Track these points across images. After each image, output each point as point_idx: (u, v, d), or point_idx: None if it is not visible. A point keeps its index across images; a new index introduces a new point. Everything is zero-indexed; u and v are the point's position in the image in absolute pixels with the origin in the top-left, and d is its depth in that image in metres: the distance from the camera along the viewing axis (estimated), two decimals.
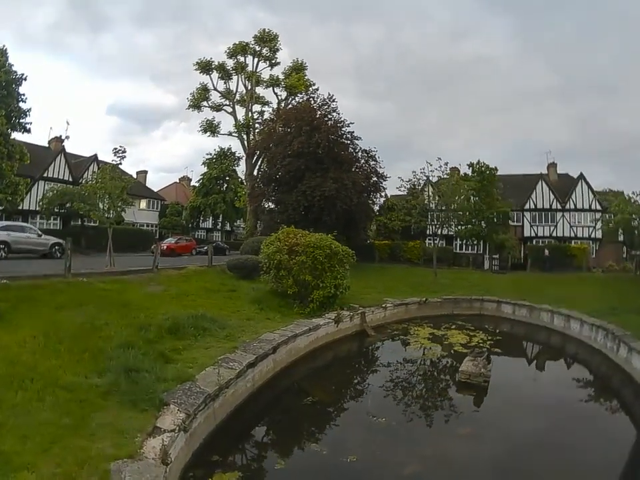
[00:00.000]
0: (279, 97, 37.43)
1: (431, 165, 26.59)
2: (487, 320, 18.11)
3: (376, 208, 34.96)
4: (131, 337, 7.97)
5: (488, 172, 32.01)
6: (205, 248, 34.10)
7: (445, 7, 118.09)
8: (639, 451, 7.35)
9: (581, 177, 39.75)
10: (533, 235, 40.43)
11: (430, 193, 26.21)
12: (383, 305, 15.55)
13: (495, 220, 32.87)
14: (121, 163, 17.39)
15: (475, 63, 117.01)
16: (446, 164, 26.21)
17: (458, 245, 40.67)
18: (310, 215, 24.81)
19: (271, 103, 38.20)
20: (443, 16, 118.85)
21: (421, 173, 27.33)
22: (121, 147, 16.84)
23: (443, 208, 25.10)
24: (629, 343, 11.66)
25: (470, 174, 33.40)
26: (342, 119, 29.54)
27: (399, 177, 37.54)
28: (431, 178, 27.29)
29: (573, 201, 39.46)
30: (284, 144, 27.89)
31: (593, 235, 38.81)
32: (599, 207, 38.81)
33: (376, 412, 8.13)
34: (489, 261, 34.18)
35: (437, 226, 25.41)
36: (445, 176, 26.75)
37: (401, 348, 13.15)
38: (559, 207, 39.92)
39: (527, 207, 40.61)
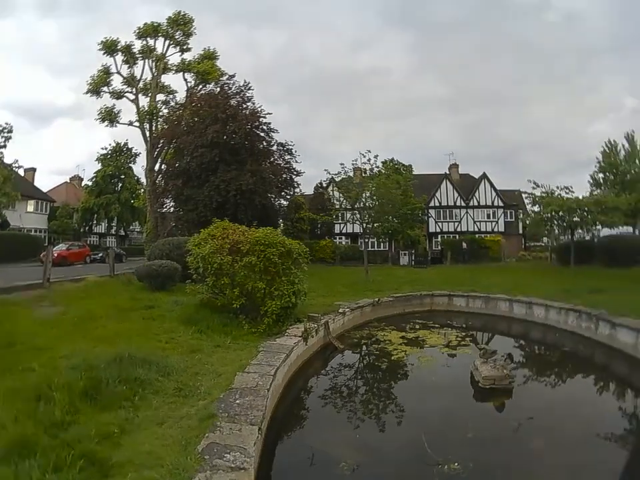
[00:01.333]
0: (189, 84, 33.43)
1: (364, 157, 24.23)
2: (443, 315, 16.31)
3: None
4: (24, 426, 3.99)
5: (404, 169, 31.44)
6: (101, 255, 30.37)
7: (348, 18, 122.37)
8: None
9: (484, 176, 42.84)
10: (438, 230, 42.04)
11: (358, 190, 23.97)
12: (340, 311, 12.80)
13: (411, 216, 32.38)
14: (5, 146, 12.82)
15: (371, 73, 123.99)
16: (376, 157, 24.10)
17: (364, 242, 39.98)
18: (223, 212, 21.42)
19: (177, 93, 34.29)
20: (345, 27, 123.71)
21: (353, 165, 24.70)
22: (7, 124, 12.36)
23: (372, 204, 22.86)
24: (612, 319, 11.59)
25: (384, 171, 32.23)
26: (259, 109, 26.73)
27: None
28: (361, 172, 25.00)
29: (477, 198, 41.74)
30: (196, 132, 24.42)
31: (495, 229, 40.83)
32: (501, 204, 41.63)
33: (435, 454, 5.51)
34: (409, 256, 33.54)
35: (368, 222, 22.99)
36: (376, 170, 24.77)
37: (387, 361, 10.30)
38: (463, 204, 42.12)
39: (431, 204, 42.26)
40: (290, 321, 10.13)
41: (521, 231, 42.76)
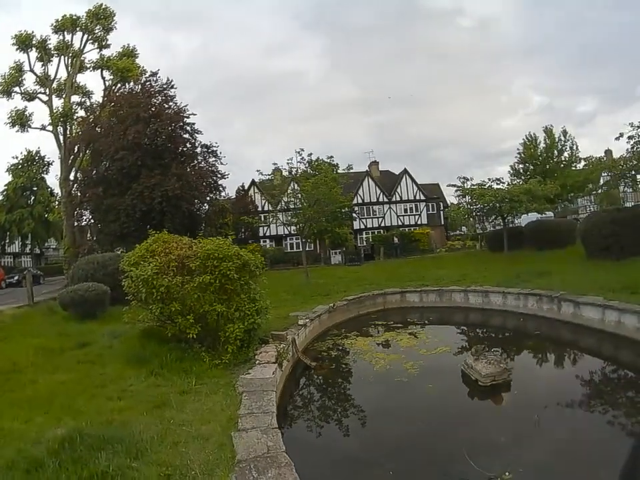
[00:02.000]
0: (107, 83, 30.28)
1: (300, 154, 23.07)
2: (398, 313, 15.56)
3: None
4: None
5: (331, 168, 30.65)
6: (17, 278, 27.25)
7: (266, 22, 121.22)
8: None
9: (405, 171, 43.81)
10: (362, 227, 42.21)
11: (291, 190, 22.39)
12: (301, 323, 11.41)
13: (339, 215, 31.76)
14: None
15: (286, 76, 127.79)
16: (310, 155, 22.84)
17: (289, 244, 40.35)
18: (148, 221, 19.24)
19: (94, 94, 31.11)
20: (262, 31, 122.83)
21: (289, 164, 23.15)
22: None
23: (310, 203, 21.45)
24: (575, 299, 11.85)
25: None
26: (184, 107, 24.59)
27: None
28: (293, 171, 23.48)
29: (399, 194, 42.47)
30: (115, 134, 21.98)
31: (418, 222, 41.75)
32: (422, 197, 42.77)
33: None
34: (341, 255, 32.79)
35: (302, 222, 21.52)
36: (309, 170, 23.44)
37: (371, 373, 9.03)
38: (385, 199, 42.59)
39: (354, 201, 41.57)
40: (255, 344, 8.58)
41: (442, 222, 44.22)
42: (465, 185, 24.79)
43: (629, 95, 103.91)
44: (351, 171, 31.00)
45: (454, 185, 25.20)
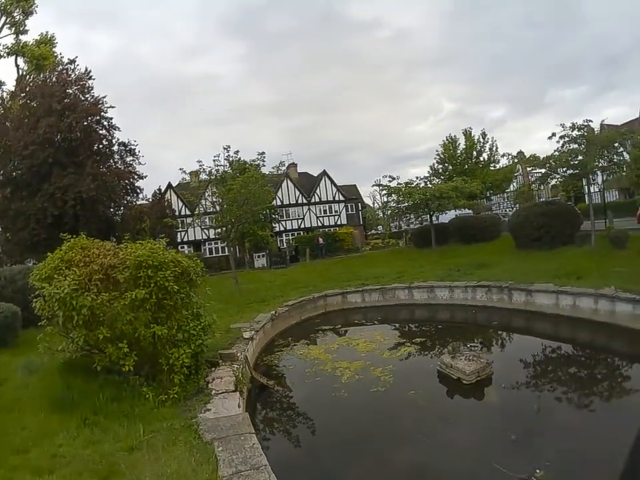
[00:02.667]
0: (21, 71, 26.50)
1: (227, 151, 21.00)
2: (341, 315, 14.72)
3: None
4: None
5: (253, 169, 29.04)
6: None
7: (188, 24, 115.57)
8: None
9: (324, 173, 43.56)
10: (282, 229, 41.17)
11: (211, 192, 20.23)
12: (247, 336, 9.95)
13: (261, 216, 30.37)
14: None
15: (203, 79, 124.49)
16: (237, 152, 20.98)
17: (209, 249, 38.69)
18: (61, 227, 16.52)
19: (5, 85, 26.98)
20: (184, 33, 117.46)
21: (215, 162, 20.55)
22: None
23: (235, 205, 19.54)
24: (526, 287, 12.10)
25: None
26: (101, 99, 21.71)
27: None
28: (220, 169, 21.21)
29: (318, 195, 42.00)
30: (25, 128, 19.12)
31: (338, 222, 41.61)
32: (341, 198, 42.56)
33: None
34: (266, 258, 31.31)
35: (229, 224, 19.55)
36: (231, 171, 21.47)
37: (340, 386, 7.83)
38: (305, 201, 41.96)
39: (273, 203, 40.17)
40: (204, 369, 7.07)
41: (361, 222, 44.41)
42: (391, 184, 24.62)
43: (536, 103, 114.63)
44: (274, 173, 29.95)
45: (380, 185, 24.93)
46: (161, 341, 6.28)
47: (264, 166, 18.30)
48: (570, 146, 15.57)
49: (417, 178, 24.45)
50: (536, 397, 6.93)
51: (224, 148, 19.00)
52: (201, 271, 7.37)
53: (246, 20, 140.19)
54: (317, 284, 17.57)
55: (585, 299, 10.63)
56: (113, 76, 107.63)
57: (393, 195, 24.48)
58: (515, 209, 33.02)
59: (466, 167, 33.30)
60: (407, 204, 24.13)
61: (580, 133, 15.24)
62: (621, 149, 15.77)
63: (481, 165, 33.67)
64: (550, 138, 15.95)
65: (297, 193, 41.67)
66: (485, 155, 33.87)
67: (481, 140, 33.74)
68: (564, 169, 16.22)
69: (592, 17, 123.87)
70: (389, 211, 26.42)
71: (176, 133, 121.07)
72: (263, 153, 18.36)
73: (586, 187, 19.24)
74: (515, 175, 38.36)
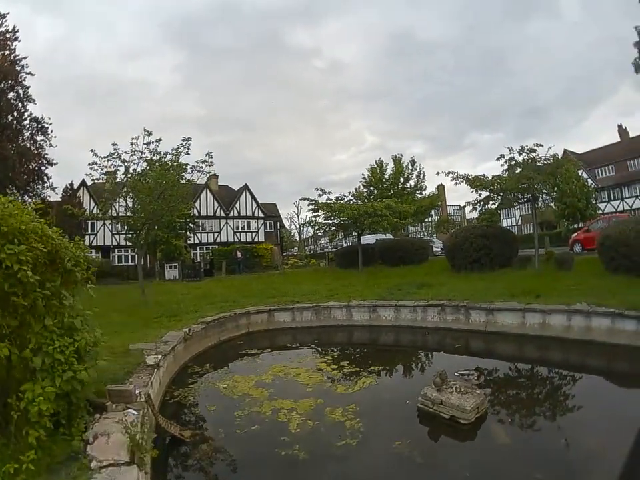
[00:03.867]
0: None
1: (149, 136, 15.38)
2: (267, 337, 12.13)
3: None
4: None
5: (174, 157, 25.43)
6: None
7: (131, 25, 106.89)
8: None
9: (245, 187, 41.31)
10: (198, 242, 37.69)
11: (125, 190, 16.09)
12: (150, 362, 6.97)
13: (179, 225, 26.80)
14: None
15: (136, 84, 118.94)
16: (158, 140, 16.24)
17: (117, 256, 34.30)
18: None
19: None
20: (126, 34, 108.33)
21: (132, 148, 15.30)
22: None
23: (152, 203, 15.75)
24: (487, 306, 10.64)
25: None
26: (21, 60, 18.01)
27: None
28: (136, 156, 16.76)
29: (237, 209, 39.53)
30: None
31: (255, 239, 39.19)
32: (261, 214, 40.29)
33: None
34: (179, 269, 27.50)
35: (142, 222, 15.63)
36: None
37: (295, 439, 5.13)
38: (223, 214, 39.13)
39: (190, 214, 36.79)
40: (81, 416, 4.12)
41: (279, 242, 42.07)
42: (320, 198, 22.58)
43: (456, 144, 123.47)
44: (198, 168, 26.49)
45: (307, 199, 22.67)
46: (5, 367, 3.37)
47: (187, 154, 15.07)
48: (517, 170, 14.79)
49: (349, 193, 22.84)
50: (555, 429, 5.50)
51: (145, 131, 15.16)
52: (84, 259, 4.55)
53: (188, 30, 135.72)
54: (237, 299, 14.67)
55: (556, 316, 9.52)
56: (49, 67, 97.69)
57: (320, 210, 22.42)
58: (434, 236, 32.91)
59: (392, 192, 32.55)
60: (335, 221, 22.17)
61: (527, 157, 14.62)
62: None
63: (406, 192, 33.18)
64: (498, 159, 15.21)
65: (216, 205, 38.46)
66: (411, 182, 33.51)
67: (410, 167, 33.40)
68: (511, 193, 15.18)
69: (519, 71, 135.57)
70: (315, 227, 24.16)
71: (100, 136, 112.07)
72: (189, 139, 15.10)
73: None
74: (439, 203, 38.62)
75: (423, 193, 33.95)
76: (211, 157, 15.23)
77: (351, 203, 21.98)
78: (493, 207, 17.35)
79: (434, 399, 5.90)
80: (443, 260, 22.80)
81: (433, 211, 41.72)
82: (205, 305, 13.65)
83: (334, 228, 23.87)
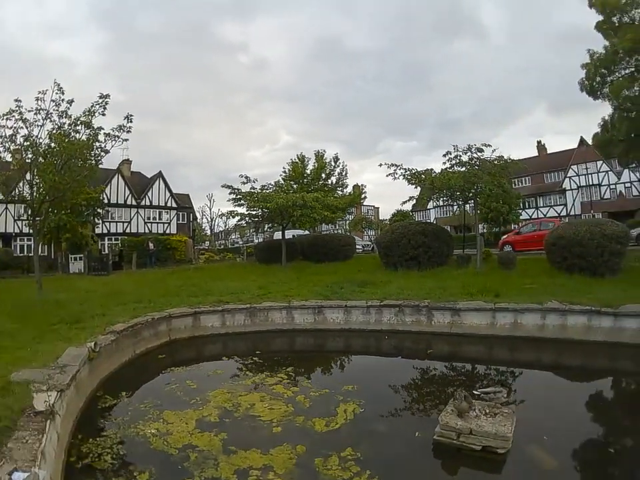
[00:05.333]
0: None
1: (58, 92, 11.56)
2: (194, 346, 9.70)
3: None
4: None
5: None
6: None
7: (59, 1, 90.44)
8: None
9: (159, 175, 37.17)
10: (106, 231, 33.32)
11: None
12: (39, 406, 4.24)
13: (84, 210, 22.56)
14: None
15: (55, 61, 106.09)
16: (70, 102, 12.11)
17: (20, 245, 29.17)
18: None
19: None
20: (53, 8, 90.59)
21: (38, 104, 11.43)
22: None
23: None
24: (453, 306, 9.35)
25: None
26: None
27: None
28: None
29: (149, 198, 35.54)
30: None
31: (167, 231, 35.75)
32: (174, 205, 37.06)
33: None
34: (85, 262, 23.18)
35: (42, 196, 11.86)
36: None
37: None
38: (134, 203, 34.90)
39: (100, 197, 32.33)
40: None
41: (191, 235, 38.50)
42: (244, 187, 20.10)
43: (370, 149, 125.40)
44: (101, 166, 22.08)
45: (230, 187, 20.04)
46: None
47: (103, 115, 11.78)
48: (460, 168, 13.96)
49: (275, 183, 20.62)
50: (602, 438, 4.82)
51: (55, 85, 11.43)
52: None
53: (118, 11, 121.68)
54: (154, 298, 11.64)
55: (529, 315, 8.65)
56: None
57: (243, 200, 19.97)
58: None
59: (312, 187, 30.89)
60: (260, 212, 19.82)
61: (473, 156, 13.88)
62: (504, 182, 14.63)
63: (327, 188, 31.73)
64: (445, 155, 14.25)
65: (127, 192, 33.91)
66: (333, 179, 32.11)
67: (332, 164, 32.02)
68: (454, 190, 14.19)
69: (438, 86, 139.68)
70: (237, 219, 21.58)
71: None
72: (107, 96, 11.77)
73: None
74: (362, 201, 37.73)
75: (345, 190, 32.96)
76: (131, 121, 12.10)
77: (278, 192, 19.77)
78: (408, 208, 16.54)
79: (460, 429, 4.32)
80: (369, 257, 21.78)
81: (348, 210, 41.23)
82: (114, 306, 10.50)
83: (257, 219, 21.63)
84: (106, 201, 30.75)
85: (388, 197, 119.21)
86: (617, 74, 16.63)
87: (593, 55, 16.99)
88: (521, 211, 34.16)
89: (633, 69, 16.26)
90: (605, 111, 20.86)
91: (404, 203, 16.82)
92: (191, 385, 6.62)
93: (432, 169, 14.64)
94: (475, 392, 4.76)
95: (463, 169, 13.82)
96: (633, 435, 4.97)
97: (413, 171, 14.43)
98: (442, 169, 14.33)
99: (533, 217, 40.63)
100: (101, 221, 30.43)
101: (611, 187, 41.90)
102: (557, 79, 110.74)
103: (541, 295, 9.31)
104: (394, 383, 6.56)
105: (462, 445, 4.33)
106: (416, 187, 15.11)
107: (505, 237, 21.41)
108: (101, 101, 11.76)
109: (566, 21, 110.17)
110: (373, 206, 71.98)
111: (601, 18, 16.74)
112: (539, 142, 48.09)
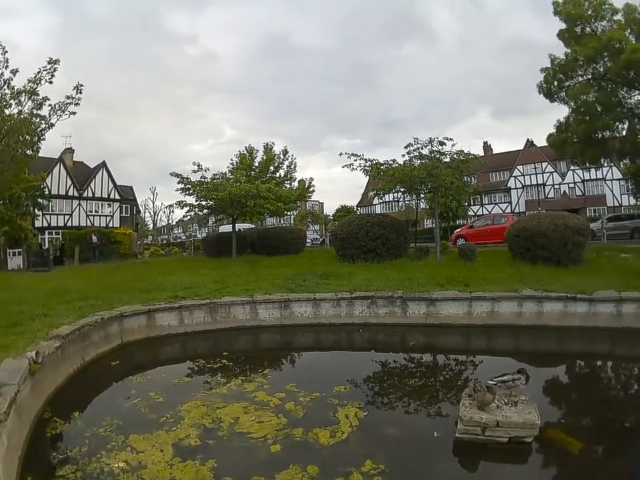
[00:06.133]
0: None
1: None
2: (150, 348, 8.38)
3: None
4: None
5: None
6: None
7: None
8: None
9: (103, 164, 33.72)
10: (46, 225, 30.19)
11: None
12: None
13: (23, 200, 19.79)
14: None
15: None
16: (14, 72, 10.07)
17: None
18: None
19: None
20: None
21: None
22: None
23: None
24: (428, 296, 8.82)
25: None
26: None
27: None
28: None
29: (92, 189, 32.44)
30: None
31: (110, 224, 32.65)
32: (117, 197, 34.22)
33: None
34: (24, 257, 20.28)
35: None
36: None
37: None
38: (76, 194, 31.97)
39: (41, 186, 28.79)
40: None
41: (135, 228, 35.67)
42: (194, 176, 18.31)
43: (314, 145, 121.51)
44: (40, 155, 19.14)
45: (179, 175, 18.27)
46: None
47: (50, 83, 9.92)
48: (420, 161, 13.54)
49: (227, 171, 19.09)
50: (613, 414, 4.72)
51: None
52: None
53: None
54: (101, 295, 9.92)
55: (506, 303, 8.43)
56: None
57: (192, 189, 18.04)
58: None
59: (259, 180, 29.34)
60: (210, 202, 18.04)
61: (434, 149, 13.48)
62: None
63: (275, 181, 30.29)
64: (406, 147, 13.79)
65: (69, 183, 30.71)
66: (281, 172, 30.73)
67: (281, 156, 30.63)
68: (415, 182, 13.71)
69: (384, 87, 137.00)
70: (186, 210, 19.78)
71: None
72: (56, 61, 9.92)
73: None
74: (309, 195, 36.59)
75: (293, 184, 31.75)
76: (80, 92, 10.35)
77: (231, 182, 18.00)
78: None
79: (487, 423, 3.85)
80: (321, 250, 21.05)
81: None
82: (57, 305, 8.74)
83: (207, 211, 20.06)
84: (47, 191, 27.53)
85: (330, 192, 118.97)
86: (573, 80, 17.16)
87: (553, 60, 17.37)
88: (468, 206, 34.95)
89: (589, 77, 16.84)
90: (560, 113, 21.71)
91: (376, 193, 16.21)
92: (156, 398, 5.39)
93: (394, 160, 14.06)
94: (490, 382, 4.24)
95: (424, 161, 13.39)
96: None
97: (374, 162, 13.83)
98: (404, 161, 13.86)
99: (478, 213, 41.94)
100: (41, 213, 27.14)
101: (555, 186, 43.30)
102: (501, 85, 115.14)
103: (511, 283, 9.10)
104: (386, 380, 5.89)
105: (488, 439, 3.87)
106: (375, 179, 14.49)
107: (458, 230, 21.49)
108: (49, 67, 9.95)
109: (512, 33, 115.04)
110: (318, 201, 71.47)
111: (564, 26, 17.22)
112: (485, 142, 49.77)
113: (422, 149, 13.53)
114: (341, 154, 13.93)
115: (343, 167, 14.20)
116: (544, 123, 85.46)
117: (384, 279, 10.40)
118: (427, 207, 17.12)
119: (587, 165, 24.27)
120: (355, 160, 13.75)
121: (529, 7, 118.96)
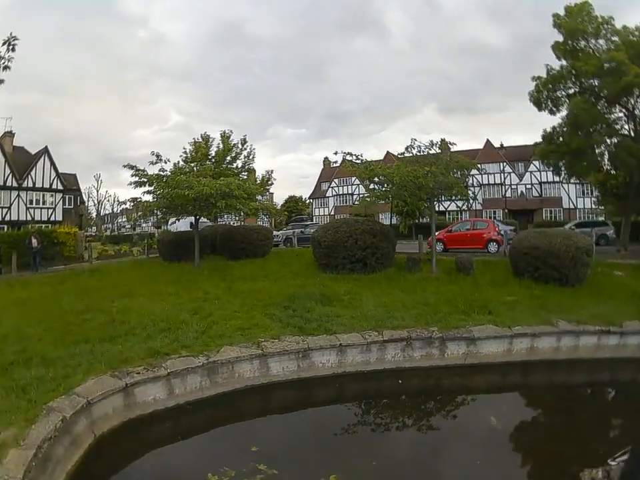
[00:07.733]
0: None
1: None
2: (136, 443, 5.59)
3: None
4: None
5: None
6: None
7: None
8: None
9: (45, 150, 27.22)
10: None
11: None
12: None
13: None
14: None
15: None
16: None
17: None
18: None
19: None
20: None
21: None
22: None
23: None
24: (470, 335, 7.26)
25: None
26: None
27: None
28: None
29: (32, 178, 26.15)
30: None
31: (52, 217, 27.01)
32: (60, 187, 28.05)
33: None
34: None
35: None
36: None
37: None
38: (15, 184, 25.56)
39: None
40: None
41: (79, 222, 29.75)
42: (151, 169, 14.36)
43: (259, 134, 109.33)
44: None
45: (134, 167, 14.15)
46: None
47: None
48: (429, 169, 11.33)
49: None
50: None
51: None
52: None
53: None
54: (48, 351, 6.46)
55: (545, 339, 7.52)
56: None
57: (149, 185, 14.16)
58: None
59: (216, 170, 25.08)
60: (171, 200, 13.68)
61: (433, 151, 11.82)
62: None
63: (230, 172, 25.98)
64: (407, 148, 11.87)
65: (8, 171, 24.22)
66: (239, 162, 26.48)
67: (240, 146, 26.27)
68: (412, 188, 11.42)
69: (332, 80, 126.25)
70: (142, 208, 15.85)
71: None
72: None
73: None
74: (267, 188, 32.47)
75: (250, 175, 27.70)
76: (13, 49, 6.52)
77: (196, 177, 13.82)
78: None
79: None
80: (289, 252, 18.11)
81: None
82: None
83: (165, 210, 16.17)
84: None
85: (276, 182, 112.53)
86: (563, 92, 16.06)
87: (550, 70, 16.28)
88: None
89: (577, 89, 15.96)
90: (547, 122, 20.62)
91: (371, 198, 13.74)
92: None
93: (399, 155, 11.74)
94: (612, 462, 3.25)
95: (430, 168, 11.29)
96: None
97: (363, 160, 11.48)
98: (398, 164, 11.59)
99: (436, 210, 40.09)
100: None
101: (513, 187, 41.06)
102: (450, 84, 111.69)
103: (537, 310, 7.87)
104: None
105: None
106: (365, 182, 12.14)
107: (437, 233, 19.64)
108: None
109: (465, 37, 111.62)
110: (268, 191, 66.47)
111: (560, 39, 16.08)
112: (442, 140, 47.13)
113: (422, 151, 11.65)
114: (336, 152, 12.09)
115: (333, 162, 11.75)
116: (489, 123, 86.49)
117: (399, 304, 8.35)
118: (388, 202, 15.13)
119: (574, 177, 22.66)
120: (345, 156, 11.34)
121: (484, 13, 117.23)
